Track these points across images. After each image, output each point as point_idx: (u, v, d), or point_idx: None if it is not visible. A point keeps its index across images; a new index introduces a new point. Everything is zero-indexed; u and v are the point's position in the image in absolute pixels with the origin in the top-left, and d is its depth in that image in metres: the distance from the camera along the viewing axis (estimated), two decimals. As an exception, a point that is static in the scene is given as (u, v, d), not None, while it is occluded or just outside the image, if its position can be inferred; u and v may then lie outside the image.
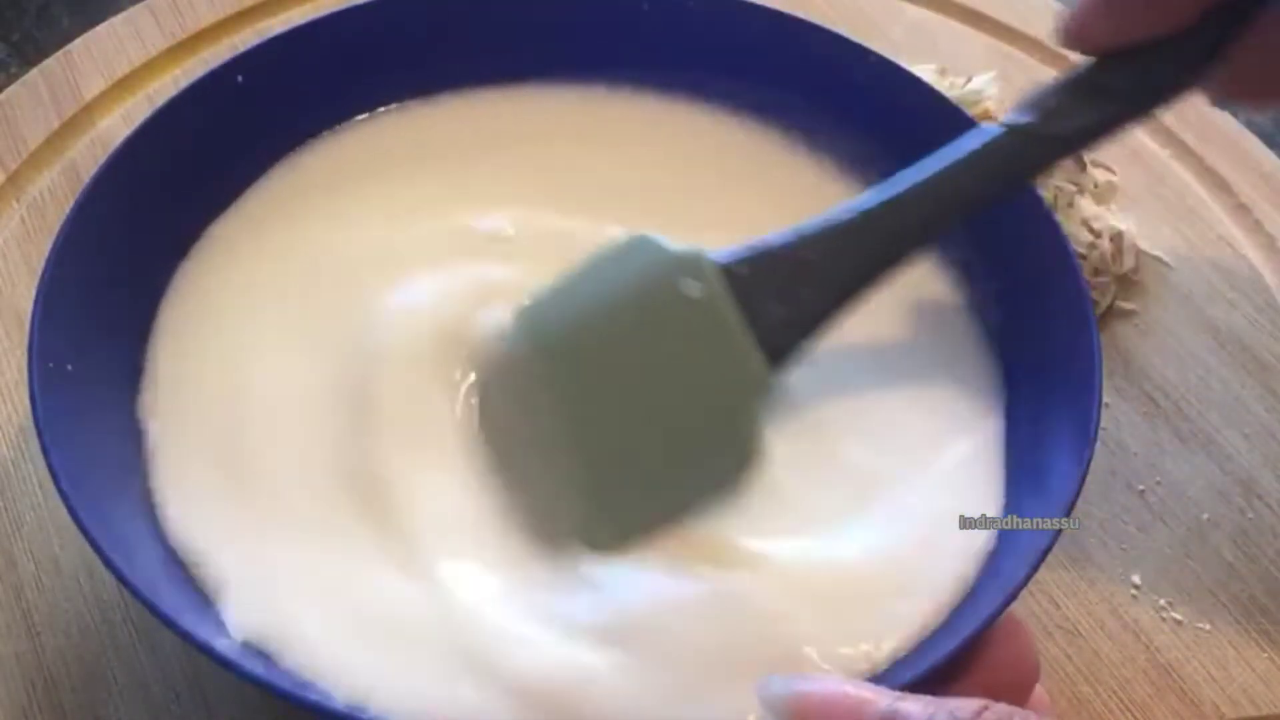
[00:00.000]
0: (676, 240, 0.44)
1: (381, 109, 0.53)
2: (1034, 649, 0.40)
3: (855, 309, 0.43)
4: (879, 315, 0.47)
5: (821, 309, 0.42)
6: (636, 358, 0.43)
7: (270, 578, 0.41)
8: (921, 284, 0.49)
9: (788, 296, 0.42)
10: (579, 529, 0.42)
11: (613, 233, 0.47)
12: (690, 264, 0.43)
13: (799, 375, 0.44)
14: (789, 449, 0.44)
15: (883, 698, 0.35)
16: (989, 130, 0.43)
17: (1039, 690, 0.40)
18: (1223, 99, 0.53)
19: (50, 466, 0.40)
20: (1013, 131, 0.43)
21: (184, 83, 0.50)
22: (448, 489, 0.43)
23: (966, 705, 0.35)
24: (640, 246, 0.44)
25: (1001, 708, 0.35)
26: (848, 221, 0.42)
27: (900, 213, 0.42)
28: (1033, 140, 0.43)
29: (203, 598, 0.41)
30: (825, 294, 0.42)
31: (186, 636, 0.38)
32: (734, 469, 0.43)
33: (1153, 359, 0.55)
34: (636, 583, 0.41)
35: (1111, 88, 0.43)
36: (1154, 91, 0.43)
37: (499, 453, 0.44)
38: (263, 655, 0.40)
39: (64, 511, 0.39)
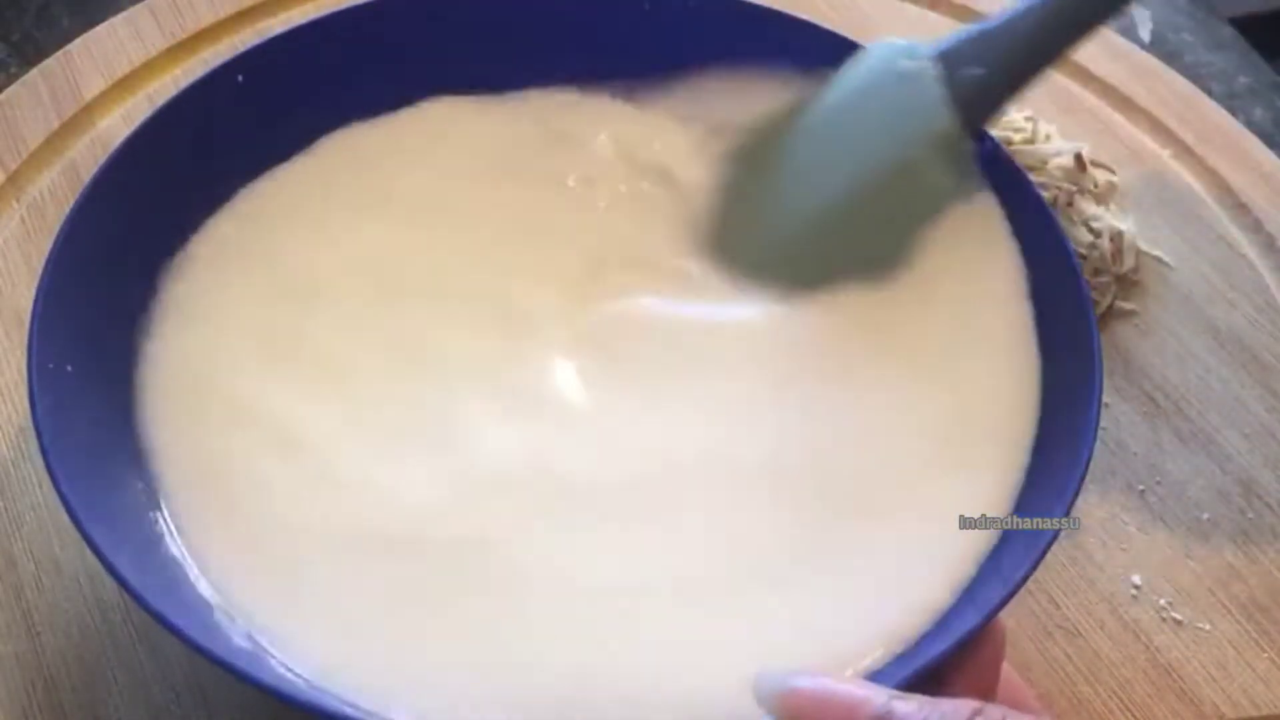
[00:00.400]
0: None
1: (384, 108, 0.53)
2: (1003, 632, 0.40)
3: (1042, 76, 0.47)
4: (878, 313, 0.48)
5: (1011, 73, 0.47)
6: (850, 126, 0.48)
7: (264, 577, 0.41)
8: (921, 284, 0.49)
9: (986, 64, 0.46)
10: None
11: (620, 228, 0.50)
12: (908, 48, 0.48)
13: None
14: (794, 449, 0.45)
15: (878, 696, 0.35)
16: None
17: (1019, 683, 0.40)
18: None
19: (49, 467, 0.40)
20: None
21: (184, 83, 0.50)
22: None
23: (961, 707, 0.34)
24: (877, 45, 0.49)
25: (995, 710, 0.35)
26: (1036, 5, 0.46)
27: None
28: None
29: (201, 599, 0.41)
30: (1016, 60, 0.47)
31: (185, 638, 0.38)
32: (916, 230, 0.47)
33: (1153, 359, 0.55)
34: None
35: None
36: None
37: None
38: (265, 656, 0.40)
39: (64, 512, 0.39)
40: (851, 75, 0.49)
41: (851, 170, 0.48)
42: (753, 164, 0.51)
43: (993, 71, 0.46)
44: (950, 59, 0.47)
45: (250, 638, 0.40)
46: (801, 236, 0.49)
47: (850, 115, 0.49)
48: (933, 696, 0.36)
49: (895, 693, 0.35)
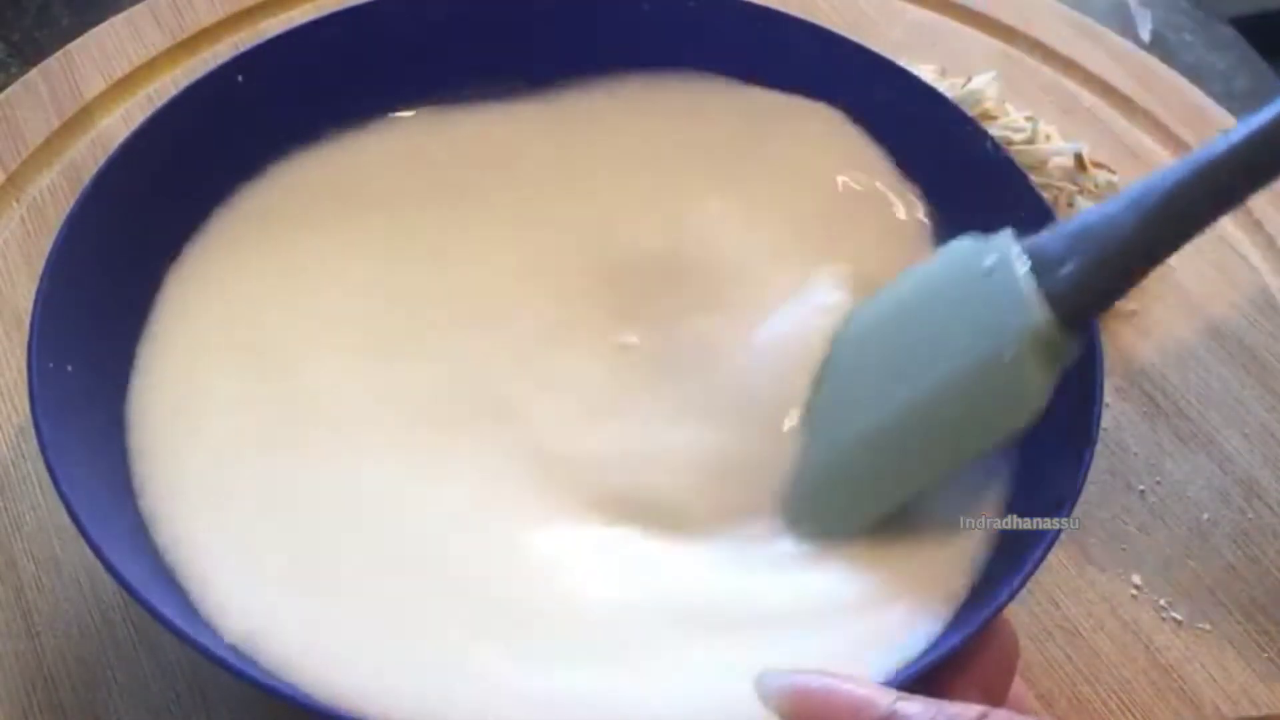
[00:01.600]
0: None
1: (384, 109, 0.53)
2: (1015, 640, 0.40)
3: (1147, 273, 0.42)
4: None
5: (1112, 269, 0.41)
6: (927, 331, 0.43)
7: (260, 577, 0.41)
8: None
9: (1080, 259, 0.41)
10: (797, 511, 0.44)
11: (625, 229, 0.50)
12: (992, 243, 0.43)
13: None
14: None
15: (884, 697, 0.35)
16: None
17: (1017, 682, 0.40)
18: None
19: (49, 467, 0.40)
20: None
21: (184, 83, 0.50)
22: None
23: (966, 710, 0.34)
24: (957, 244, 0.44)
25: (1000, 714, 0.34)
26: (1138, 197, 0.41)
27: (1194, 186, 0.40)
28: None
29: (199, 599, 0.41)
30: (1116, 258, 0.41)
31: (185, 638, 0.38)
32: (1005, 437, 0.42)
33: (1153, 359, 0.55)
34: None
35: None
36: None
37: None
38: (260, 655, 0.40)
39: (64, 512, 0.39)
40: (922, 276, 0.45)
41: (926, 380, 0.42)
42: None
43: (1085, 271, 0.40)
44: (1039, 250, 0.42)
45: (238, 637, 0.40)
46: (860, 466, 0.44)
47: (925, 316, 0.44)
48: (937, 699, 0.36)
49: (901, 694, 0.35)
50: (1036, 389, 0.41)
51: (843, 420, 0.44)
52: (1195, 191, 0.39)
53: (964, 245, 0.44)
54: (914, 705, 0.35)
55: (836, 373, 0.45)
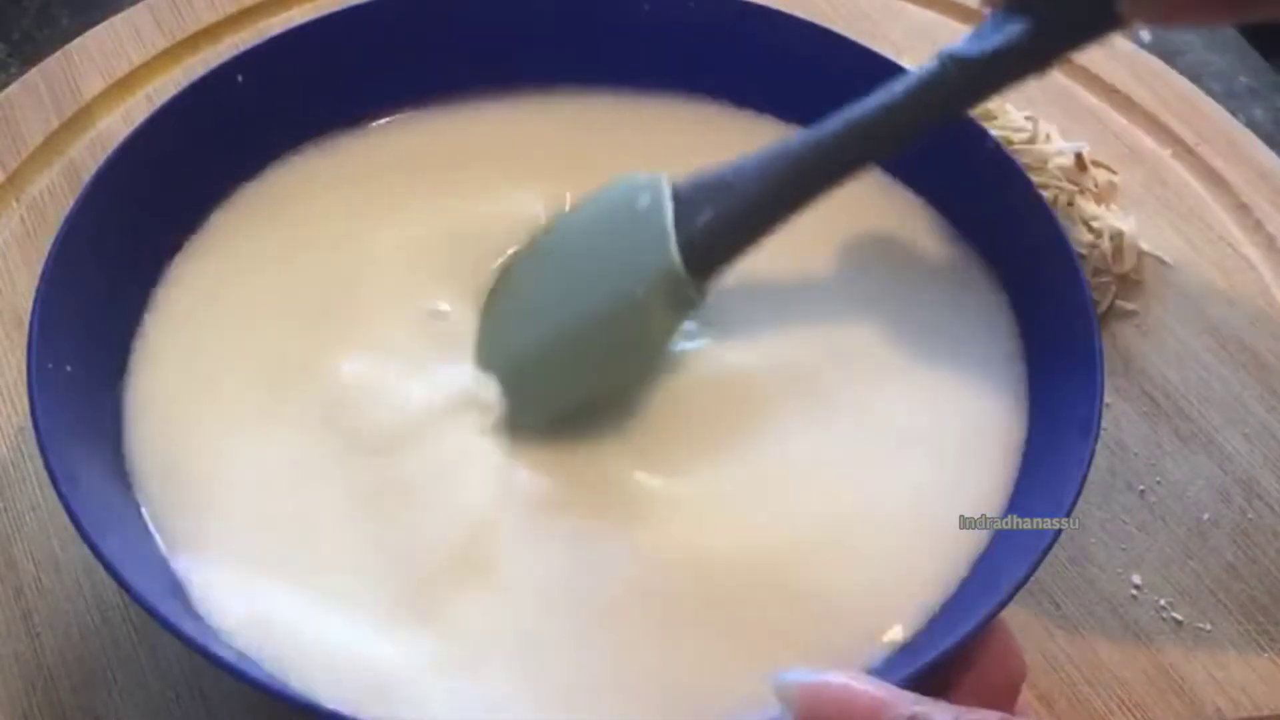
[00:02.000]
0: None
1: (383, 109, 0.53)
2: (1018, 648, 0.40)
3: (771, 232, 0.45)
4: (881, 313, 0.48)
5: (743, 221, 0.45)
6: (583, 259, 0.47)
7: (260, 577, 0.42)
8: (923, 283, 0.49)
9: (717, 208, 0.44)
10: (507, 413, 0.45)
11: None
12: (647, 183, 0.46)
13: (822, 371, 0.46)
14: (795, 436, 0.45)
15: (904, 700, 0.35)
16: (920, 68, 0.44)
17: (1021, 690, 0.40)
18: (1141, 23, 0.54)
19: (48, 468, 0.40)
20: (944, 64, 0.44)
21: (184, 83, 0.50)
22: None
23: (986, 716, 0.34)
24: (619, 179, 0.47)
25: None
26: (776, 152, 0.45)
27: (824, 146, 0.44)
28: (956, 69, 0.43)
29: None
30: (749, 208, 0.45)
31: (185, 638, 0.38)
32: (639, 367, 0.46)
33: (1153, 359, 0.55)
34: None
35: (1031, 15, 0.43)
36: (1068, 27, 0.43)
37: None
38: (260, 656, 0.40)
39: (64, 512, 0.39)
40: (592, 205, 0.48)
41: (580, 301, 0.46)
42: (507, 280, 0.49)
43: (720, 218, 0.44)
44: (684, 196, 0.45)
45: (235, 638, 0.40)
46: (530, 361, 0.47)
47: (585, 245, 0.47)
48: (940, 700, 0.35)
49: (917, 696, 0.35)
50: (661, 329, 0.45)
51: (519, 324, 0.47)
52: (810, 164, 0.44)
53: (627, 181, 0.47)
54: (935, 709, 0.34)
55: (523, 276, 0.48)
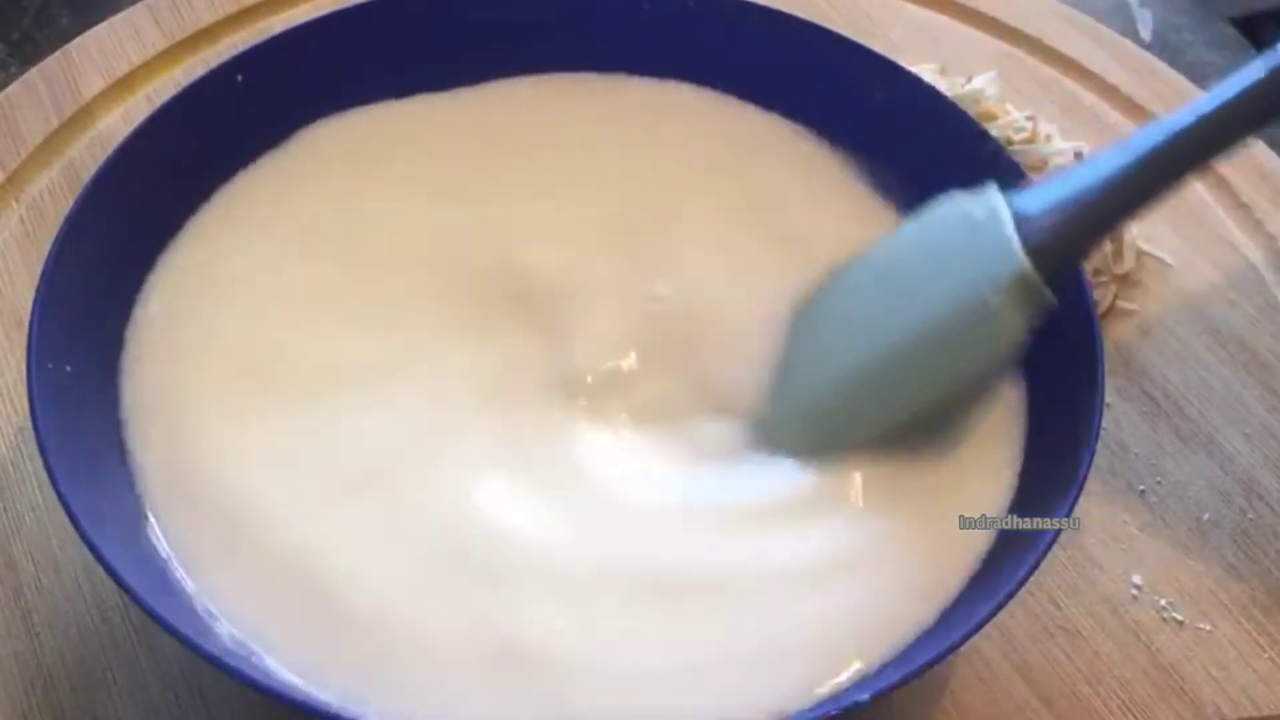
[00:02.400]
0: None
1: (383, 108, 0.53)
2: None
3: (1116, 230, 0.48)
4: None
5: (1084, 227, 0.45)
6: (918, 277, 0.47)
7: (259, 577, 0.42)
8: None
9: (1057, 216, 0.44)
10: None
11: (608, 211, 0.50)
12: (978, 197, 0.46)
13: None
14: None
15: None
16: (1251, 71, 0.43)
17: None
18: None
19: (48, 468, 0.40)
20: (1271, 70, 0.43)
21: (184, 83, 0.50)
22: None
23: None
24: (945, 198, 0.47)
25: None
26: (1115, 156, 0.44)
27: (1160, 155, 0.44)
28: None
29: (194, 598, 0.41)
30: (1090, 217, 0.45)
31: (185, 638, 0.38)
32: (982, 379, 0.45)
33: (1153, 359, 0.55)
34: None
35: None
36: None
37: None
38: (260, 656, 0.40)
39: (64, 512, 0.39)
40: (916, 226, 0.48)
41: (919, 316, 0.45)
42: (808, 321, 0.49)
43: (1062, 224, 0.44)
44: (1020, 211, 0.45)
45: (234, 638, 0.41)
46: (847, 394, 0.47)
47: (919, 262, 0.47)
48: None
49: None
50: (1017, 329, 0.44)
51: (828, 359, 0.47)
52: (1160, 160, 0.44)
53: (953, 201, 0.46)
54: None
55: (825, 317, 0.48)
